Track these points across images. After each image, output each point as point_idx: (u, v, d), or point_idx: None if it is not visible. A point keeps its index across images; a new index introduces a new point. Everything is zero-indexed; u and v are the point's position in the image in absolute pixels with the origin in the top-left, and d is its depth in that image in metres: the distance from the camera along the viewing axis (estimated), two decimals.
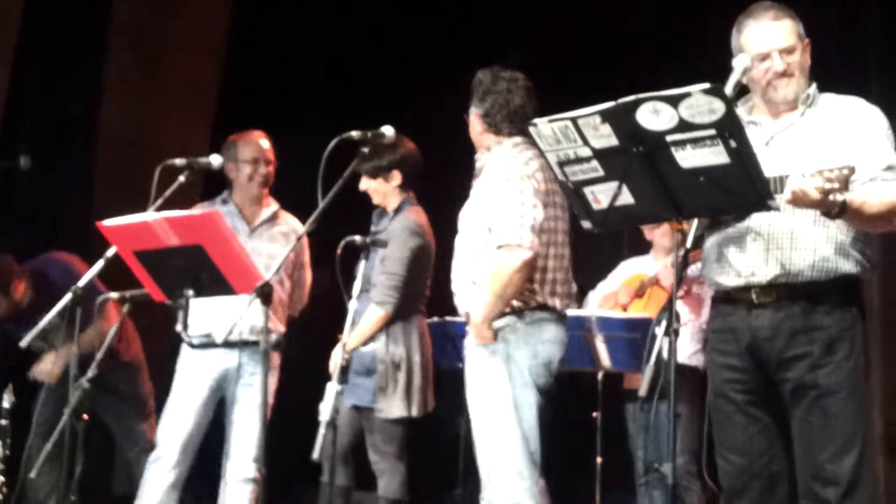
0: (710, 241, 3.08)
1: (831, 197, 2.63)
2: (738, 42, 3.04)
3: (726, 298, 3.04)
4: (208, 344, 4.29)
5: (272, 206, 4.56)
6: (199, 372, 4.34)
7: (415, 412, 4.18)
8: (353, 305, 3.51)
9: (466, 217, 3.63)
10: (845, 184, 2.63)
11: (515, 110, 3.59)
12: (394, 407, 4.15)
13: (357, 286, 3.56)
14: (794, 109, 3.05)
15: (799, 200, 2.70)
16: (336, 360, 4.21)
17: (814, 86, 3.07)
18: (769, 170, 2.80)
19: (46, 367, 4.72)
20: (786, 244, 2.93)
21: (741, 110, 3.09)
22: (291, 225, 4.54)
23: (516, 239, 3.40)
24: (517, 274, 3.41)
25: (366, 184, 4.33)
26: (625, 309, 4.90)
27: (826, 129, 2.99)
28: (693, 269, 4.38)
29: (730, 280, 3.01)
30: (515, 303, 3.47)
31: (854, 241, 2.95)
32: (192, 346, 4.34)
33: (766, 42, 2.99)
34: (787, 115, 3.05)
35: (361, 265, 3.57)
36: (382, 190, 4.34)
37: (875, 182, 2.88)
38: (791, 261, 2.92)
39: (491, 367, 3.47)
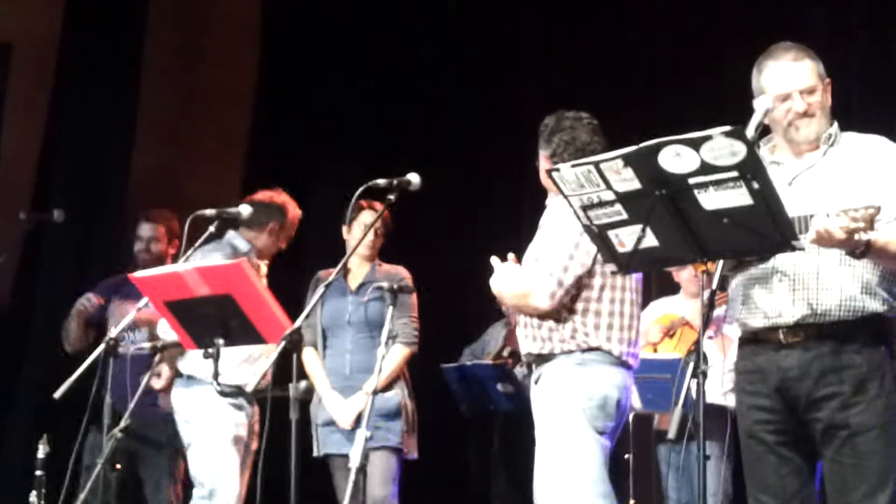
0: (736, 282, 3.07)
1: (857, 236, 2.63)
2: (759, 83, 3.06)
3: (753, 339, 3.03)
4: (236, 392, 4.32)
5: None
6: (237, 419, 4.39)
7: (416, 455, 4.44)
8: (381, 352, 3.52)
9: (529, 259, 3.63)
10: (871, 223, 2.63)
11: (582, 147, 3.53)
12: (414, 448, 4.40)
13: (385, 333, 3.58)
14: (816, 149, 3.05)
15: (824, 241, 2.70)
16: (357, 405, 4.29)
17: (835, 125, 3.07)
18: (793, 210, 2.80)
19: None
20: (812, 284, 2.92)
21: (763, 150, 3.10)
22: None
23: (548, 292, 3.43)
24: (532, 312, 3.49)
25: (372, 238, 4.50)
26: (655, 348, 4.89)
27: (848, 168, 2.99)
28: (722, 310, 4.39)
29: (756, 321, 3.00)
30: (567, 346, 3.47)
31: (881, 279, 2.94)
32: (223, 394, 4.37)
33: (787, 83, 3.00)
34: (810, 155, 3.05)
35: (390, 311, 3.60)
36: (377, 246, 4.56)
37: None
38: (818, 301, 2.91)
39: (549, 413, 3.46)
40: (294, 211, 4.68)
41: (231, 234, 4.56)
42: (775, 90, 3.00)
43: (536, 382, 3.55)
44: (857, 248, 2.69)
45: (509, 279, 3.53)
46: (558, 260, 3.45)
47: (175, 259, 4.87)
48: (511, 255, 3.55)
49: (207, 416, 4.34)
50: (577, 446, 3.40)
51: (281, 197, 4.66)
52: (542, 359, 3.53)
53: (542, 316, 3.50)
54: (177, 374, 4.46)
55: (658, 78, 5.98)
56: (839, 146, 3.05)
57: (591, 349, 3.47)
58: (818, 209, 2.78)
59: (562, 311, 3.47)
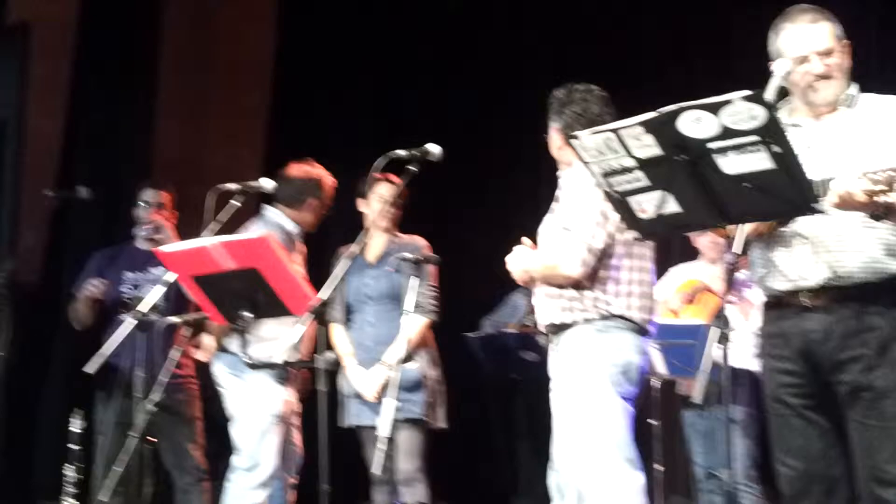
0: (757, 247, 3.08)
1: (877, 199, 2.63)
2: (776, 45, 3.05)
3: (776, 303, 3.04)
4: (266, 365, 4.37)
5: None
6: (271, 390, 4.44)
7: (447, 425, 4.46)
8: (413, 320, 3.54)
9: (548, 232, 3.65)
10: (891, 185, 2.62)
11: (593, 119, 3.54)
12: (440, 419, 4.42)
13: (411, 303, 3.61)
14: (835, 111, 3.04)
15: (844, 204, 2.70)
16: (379, 377, 4.33)
17: (854, 87, 3.06)
18: (812, 173, 2.78)
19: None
20: (833, 247, 2.92)
21: (782, 112, 3.09)
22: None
23: (579, 259, 3.45)
24: (563, 281, 3.50)
25: (390, 210, 4.48)
26: (676, 315, 4.90)
27: (868, 130, 2.97)
28: (743, 275, 4.39)
29: (779, 285, 3.01)
30: (588, 314, 3.49)
31: None
32: (252, 366, 4.42)
33: (804, 45, 3.00)
34: (828, 117, 3.04)
35: (415, 282, 3.63)
36: (396, 216, 4.55)
37: None
38: (840, 263, 2.92)
39: (573, 379, 3.48)
40: (329, 181, 4.66)
41: (273, 213, 4.57)
42: (793, 52, 3.00)
43: (556, 352, 3.58)
44: (878, 211, 2.68)
45: (532, 254, 3.56)
46: (586, 227, 3.46)
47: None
48: (526, 240, 3.58)
49: (253, 392, 4.40)
50: (603, 410, 3.42)
51: (316, 170, 4.64)
52: (562, 328, 3.55)
53: (564, 286, 3.52)
54: (221, 348, 4.50)
55: (666, 52, 5.95)
56: (858, 108, 3.04)
57: (612, 316, 3.50)
58: (837, 172, 2.78)
59: (583, 280, 3.49)
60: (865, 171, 2.64)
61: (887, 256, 2.93)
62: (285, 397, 4.45)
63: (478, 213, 6.22)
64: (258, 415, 4.40)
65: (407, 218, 4.67)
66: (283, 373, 4.40)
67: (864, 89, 3.08)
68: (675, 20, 5.88)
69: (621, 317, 3.51)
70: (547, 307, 3.59)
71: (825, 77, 3.00)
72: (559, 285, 3.53)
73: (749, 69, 3.11)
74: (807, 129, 3.05)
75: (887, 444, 2.89)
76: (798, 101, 3.08)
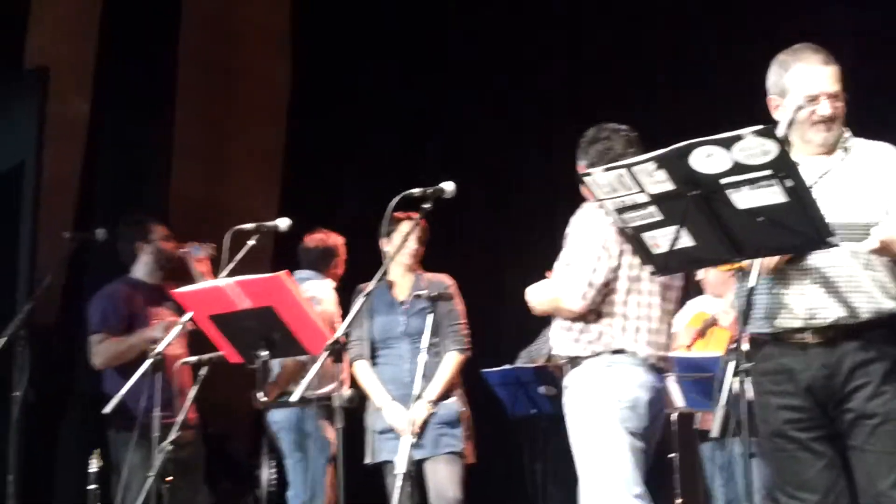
0: (762, 283, 3.05)
1: None
2: (782, 80, 3.06)
3: (774, 340, 3.03)
4: (282, 404, 4.44)
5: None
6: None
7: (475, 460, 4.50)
8: (423, 359, 3.58)
9: (558, 267, 3.68)
10: None
11: (615, 158, 3.55)
12: (472, 454, 4.47)
13: (426, 340, 3.64)
14: (831, 153, 3.07)
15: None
16: (421, 413, 4.35)
17: (848, 130, 3.09)
18: None
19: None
20: (843, 287, 2.95)
21: None
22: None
23: (580, 293, 3.50)
24: (566, 315, 3.56)
25: (414, 248, 4.55)
26: (689, 349, 4.88)
27: (864, 175, 3.01)
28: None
29: (785, 322, 3.00)
30: (595, 347, 3.53)
31: (892, 279, 2.98)
32: (266, 406, 4.44)
33: (816, 85, 3.01)
34: (826, 159, 3.06)
35: (430, 319, 3.65)
36: (419, 255, 4.63)
37: None
38: (852, 303, 2.95)
39: (581, 414, 3.52)
40: (340, 243, 5.17)
41: (309, 273, 5.02)
42: (804, 91, 3.01)
43: (567, 387, 3.60)
44: None
45: (539, 287, 3.62)
46: (587, 262, 3.51)
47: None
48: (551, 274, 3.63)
49: (308, 432, 4.74)
50: (609, 447, 3.45)
51: (331, 239, 5.15)
52: (572, 362, 3.59)
53: (573, 319, 3.57)
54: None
55: (683, 76, 5.98)
56: (853, 152, 3.07)
57: (618, 351, 3.53)
58: (840, 212, 2.83)
59: (590, 314, 3.54)
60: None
61: (884, 296, 2.98)
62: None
63: (506, 248, 6.23)
64: (312, 453, 4.75)
65: (433, 255, 4.72)
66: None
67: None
68: (693, 46, 5.90)
69: (625, 351, 3.53)
70: (560, 339, 3.64)
71: (830, 120, 3.02)
72: (564, 318, 3.58)
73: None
74: (803, 169, 3.04)
75: (889, 471, 2.89)
76: (796, 138, 3.06)
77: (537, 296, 3.61)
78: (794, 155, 3.04)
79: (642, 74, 6.10)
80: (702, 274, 4.96)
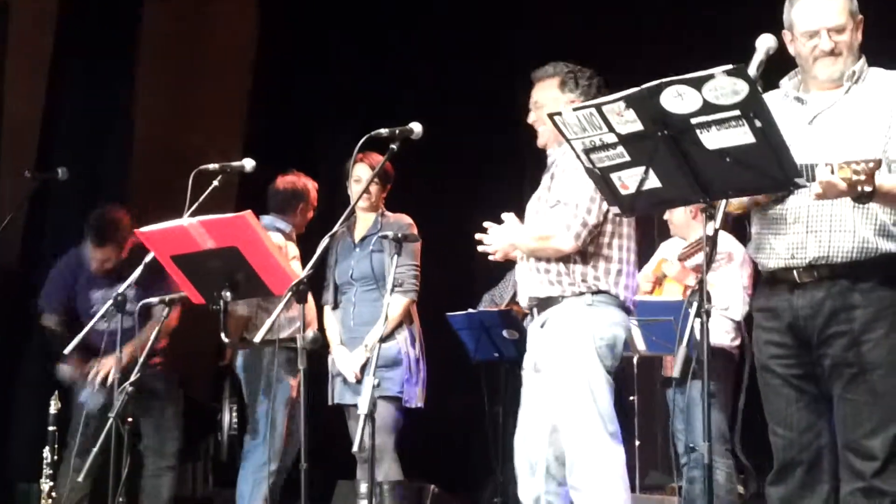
0: (754, 224, 3.10)
1: (858, 188, 2.62)
2: (789, 16, 3.03)
3: (770, 279, 3.06)
4: (247, 344, 4.43)
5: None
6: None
7: (422, 404, 4.46)
8: (388, 300, 3.57)
9: (538, 208, 3.66)
10: (871, 177, 2.61)
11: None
12: (416, 397, 4.41)
13: (391, 281, 3.62)
14: (840, 86, 3.02)
15: (826, 194, 2.71)
16: (360, 357, 4.38)
17: (861, 61, 3.03)
18: (811, 148, 2.83)
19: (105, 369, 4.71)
20: (825, 227, 2.94)
21: (789, 85, 3.09)
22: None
23: (573, 233, 3.49)
24: (553, 254, 3.53)
25: (374, 186, 4.49)
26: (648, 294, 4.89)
27: (869, 107, 2.96)
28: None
29: (771, 262, 3.03)
30: (578, 288, 3.52)
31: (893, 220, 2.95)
32: (231, 346, 4.44)
33: (816, 20, 2.97)
34: (833, 93, 3.02)
35: (395, 260, 3.62)
36: (380, 195, 4.59)
37: None
38: (830, 243, 2.93)
39: (560, 352, 3.50)
40: (312, 186, 5.03)
41: (270, 219, 4.88)
42: (803, 26, 2.98)
43: (542, 326, 3.58)
44: (861, 198, 2.67)
45: (522, 228, 3.58)
46: (582, 202, 3.49)
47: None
48: (509, 215, 3.59)
49: (269, 374, 4.65)
50: (591, 384, 3.45)
51: (301, 181, 5.01)
52: (548, 302, 3.57)
53: (552, 260, 3.54)
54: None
55: (665, 27, 5.93)
56: (864, 83, 3.02)
57: (599, 292, 3.53)
58: (836, 150, 2.78)
59: (575, 255, 3.53)
60: (847, 160, 2.63)
61: (877, 236, 2.94)
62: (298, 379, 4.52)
63: (474, 191, 6.19)
64: (271, 395, 4.65)
65: (402, 196, 4.69)
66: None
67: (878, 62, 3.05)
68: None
69: (609, 293, 3.53)
70: (532, 281, 3.60)
71: (833, 54, 2.98)
72: (547, 259, 3.55)
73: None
74: (810, 104, 3.04)
75: (867, 420, 2.91)
76: (804, 74, 3.06)
77: (518, 236, 3.55)
78: (805, 93, 3.05)
79: (620, 21, 6.04)
80: (667, 215, 4.97)
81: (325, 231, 3.42)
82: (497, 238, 3.59)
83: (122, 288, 3.94)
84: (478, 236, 3.62)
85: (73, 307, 4.94)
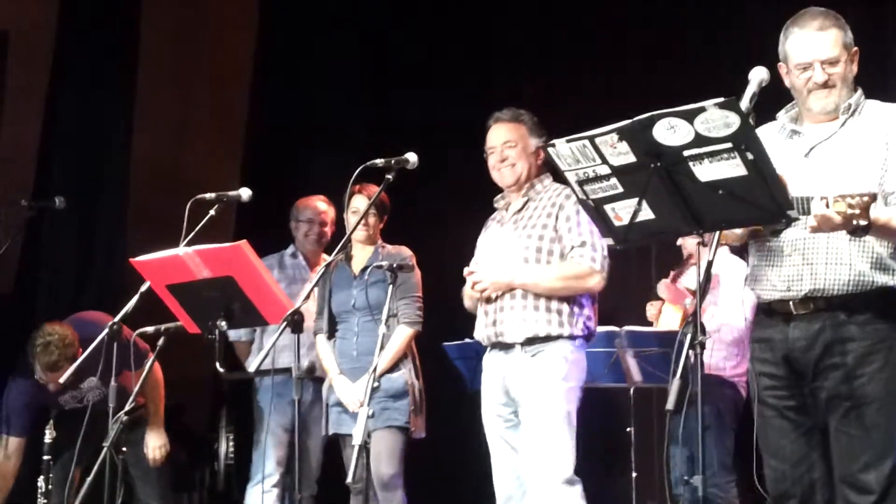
0: (751, 255, 3.11)
1: (854, 222, 2.64)
2: (784, 49, 3.04)
3: (766, 310, 3.07)
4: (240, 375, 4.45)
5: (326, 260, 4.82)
6: (280, 399, 4.61)
7: (424, 434, 4.47)
8: (382, 331, 3.58)
9: (526, 244, 3.73)
10: (866, 211, 2.62)
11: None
12: (421, 428, 4.41)
13: (386, 312, 3.63)
14: (836, 119, 3.03)
15: (822, 228, 2.72)
16: (362, 386, 4.33)
17: (858, 94, 3.04)
18: (804, 183, 2.84)
19: None
20: (821, 259, 2.94)
21: (785, 118, 3.10)
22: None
23: (604, 273, 3.66)
24: (580, 293, 3.68)
25: (372, 217, 4.52)
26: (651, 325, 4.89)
27: (865, 139, 2.97)
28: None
29: (767, 293, 3.03)
30: (578, 332, 3.66)
31: (893, 252, 2.95)
32: (225, 376, 4.45)
33: (809, 52, 2.98)
34: (829, 125, 3.03)
35: (390, 291, 3.64)
36: (378, 226, 4.62)
37: None
38: (826, 276, 2.93)
39: (558, 389, 3.61)
40: (298, 202, 5.12)
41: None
42: (797, 59, 2.99)
43: (533, 356, 3.65)
44: (856, 232, 2.68)
45: (538, 267, 3.67)
46: (598, 240, 3.63)
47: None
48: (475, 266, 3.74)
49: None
50: (571, 427, 3.60)
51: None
52: (544, 339, 3.65)
53: (564, 300, 3.65)
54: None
55: (658, 47, 5.95)
56: (860, 116, 3.02)
57: (591, 334, 3.72)
58: (832, 182, 2.79)
59: (579, 298, 3.69)
60: (843, 193, 2.64)
61: (873, 269, 2.94)
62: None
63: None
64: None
65: (397, 226, 4.72)
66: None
67: (875, 94, 3.07)
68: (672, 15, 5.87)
69: (594, 333, 3.73)
70: (527, 319, 3.65)
71: (826, 86, 2.98)
72: (560, 298, 3.64)
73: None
74: (807, 137, 3.05)
75: (862, 453, 2.90)
76: (800, 106, 3.07)
77: (534, 274, 3.65)
78: (801, 125, 3.06)
79: (612, 47, 6.07)
80: (680, 241, 4.96)
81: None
82: (490, 275, 3.68)
83: (119, 318, 3.92)
84: (466, 272, 3.71)
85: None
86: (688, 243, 4.96)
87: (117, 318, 3.93)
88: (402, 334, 4.41)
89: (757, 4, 5.28)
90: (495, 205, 3.94)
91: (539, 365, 3.62)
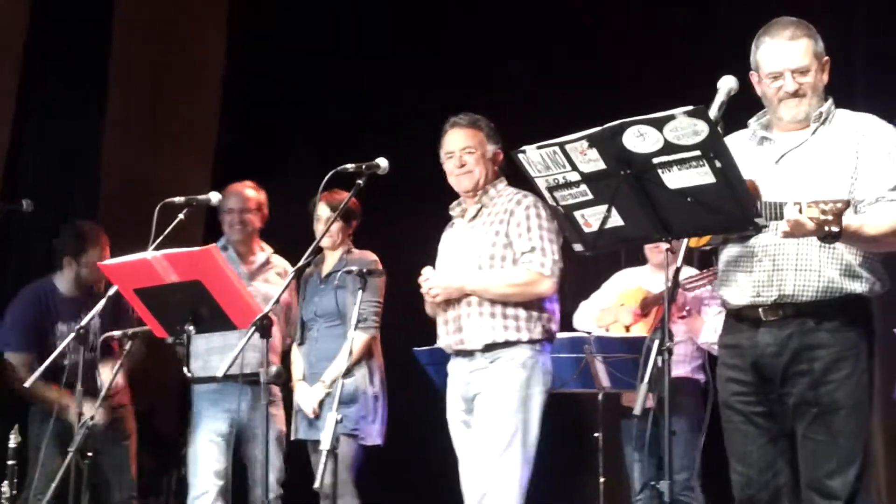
0: (722, 260, 3.12)
1: (826, 228, 2.66)
2: (755, 58, 3.06)
3: (736, 315, 3.08)
4: (207, 379, 4.37)
5: (266, 251, 4.77)
6: (214, 407, 4.47)
7: (381, 442, 4.43)
8: (352, 335, 3.58)
9: (475, 252, 3.73)
10: (839, 217, 2.65)
11: None
12: (373, 435, 4.39)
13: (355, 317, 3.63)
14: (806, 127, 3.05)
15: (794, 233, 2.73)
16: (318, 393, 4.39)
17: (829, 102, 3.06)
18: (778, 188, 2.87)
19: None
20: (790, 265, 2.96)
21: (756, 125, 3.12)
22: (283, 266, 4.74)
23: (555, 278, 3.65)
24: (531, 299, 3.65)
25: (336, 224, 4.45)
26: (628, 329, 4.89)
27: (836, 148, 2.99)
28: (703, 291, 4.57)
29: (737, 299, 3.05)
30: (537, 336, 3.66)
31: (863, 260, 2.97)
32: (193, 381, 4.41)
33: (780, 62, 3.00)
34: (800, 133, 3.05)
35: (359, 296, 3.64)
36: (345, 232, 4.60)
37: (881, 203, 2.91)
38: (796, 282, 2.95)
39: (515, 392, 3.60)
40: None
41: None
42: (768, 68, 3.01)
43: (492, 362, 3.65)
44: (827, 238, 2.71)
45: (485, 272, 3.65)
46: (550, 245, 3.64)
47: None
48: (428, 269, 3.75)
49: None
50: (531, 432, 3.60)
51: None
52: (503, 345, 3.65)
53: (518, 306, 3.64)
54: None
55: (645, 62, 5.98)
56: (831, 125, 3.04)
57: (551, 337, 3.70)
58: (802, 189, 2.82)
59: (536, 302, 3.67)
60: (816, 199, 2.67)
61: (844, 277, 2.96)
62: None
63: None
64: None
65: (368, 231, 4.71)
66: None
67: (845, 103, 3.10)
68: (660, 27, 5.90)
69: (555, 336, 3.72)
70: (484, 326, 3.66)
71: (797, 95, 3.01)
72: (515, 304, 3.63)
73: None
74: (778, 144, 3.07)
75: (829, 460, 2.93)
76: (771, 115, 3.09)
77: (482, 280, 3.65)
78: (773, 133, 3.08)
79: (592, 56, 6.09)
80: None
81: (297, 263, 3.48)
82: (442, 281, 3.69)
83: (84, 321, 3.91)
84: (421, 280, 3.72)
85: (42, 342, 4.77)
86: (650, 250, 4.97)
87: (83, 322, 3.91)
88: (358, 339, 4.36)
89: (730, 14, 5.32)
90: (451, 212, 3.94)
91: (495, 373, 3.62)
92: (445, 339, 3.78)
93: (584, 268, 4.48)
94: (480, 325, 3.66)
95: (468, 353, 3.70)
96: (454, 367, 3.78)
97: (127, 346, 3.99)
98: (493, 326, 3.65)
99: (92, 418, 3.66)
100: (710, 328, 4.58)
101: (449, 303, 3.71)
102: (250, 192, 4.77)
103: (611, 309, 4.95)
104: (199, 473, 4.43)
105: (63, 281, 4.89)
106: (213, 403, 4.48)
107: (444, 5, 6.49)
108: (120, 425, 4.82)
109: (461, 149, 3.81)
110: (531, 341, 3.64)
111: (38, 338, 4.76)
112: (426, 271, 3.74)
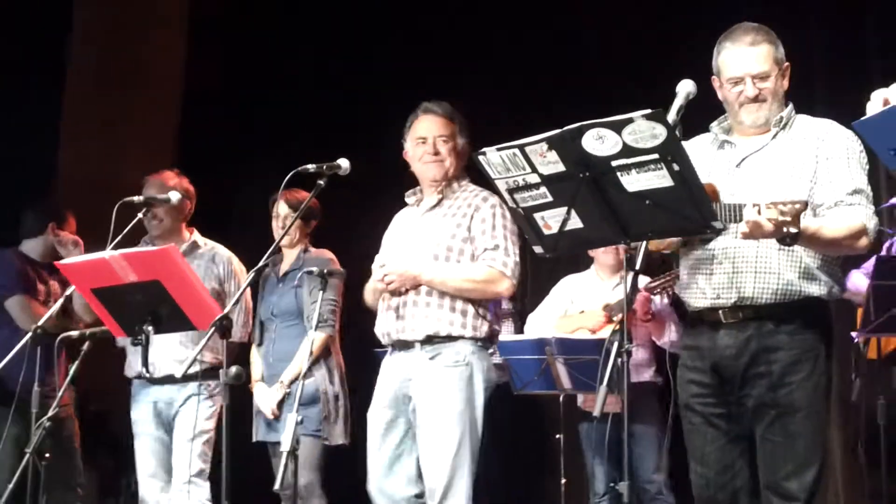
0: (683, 263, 3.14)
1: (784, 229, 2.69)
2: (717, 63, 3.10)
3: (696, 317, 3.11)
4: (161, 379, 4.33)
5: (190, 237, 4.59)
6: (151, 405, 4.43)
7: (347, 441, 4.39)
8: (312, 335, 3.56)
9: (432, 242, 3.69)
10: (797, 218, 2.68)
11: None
12: (336, 435, 4.36)
13: (315, 317, 3.61)
14: (767, 132, 3.08)
15: (754, 234, 2.76)
16: (276, 394, 4.35)
17: (789, 108, 3.10)
18: (735, 193, 2.90)
19: None
20: (749, 269, 2.99)
21: (717, 129, 3.15)
22: (210, 246, 4.60)
23: (514, 278, 3.63)
24: (489, 297, 3.64)
25: (295, 223, 4.34)
26: (594, 333, 4.89)
27: (796, 153, 3.03)
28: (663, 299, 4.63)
29: (697, 301, 3.07)
30: (481, 334, 3.63)
31: (822, 263, 3.01)
32: (151, 381, 4.37)
33: (741, 67, 3.03)
34: (760, 137, 3.09)
35: (321, 296, 3.62)
36: (303, 231, 4.55)
37: (839, 207, 2.94)
38: (755, 284, 2.98)
39: (459, 391, 3.56)
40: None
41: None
42: (729, 73, 3.05)
43: (432, 359, 3.60)
44: (785, 240, 2.74)
45: (443, 265, 3.62)
46: (511, 245, 3.62)
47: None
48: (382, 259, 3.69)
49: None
50: (477, 430, 3.56)
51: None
52: (445, 339, 3.61)
53: (469, 301, 3.61)
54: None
55: (594, 57, 6.01)
56: (791, 129, 3.08)
57: (493, 337, 3.69)
58: (762, 192, 2.85)
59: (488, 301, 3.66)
60: (774, 200, 2.70)
61: (803, 280, 2.99)
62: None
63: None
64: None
65: (330, 230, 4.69)
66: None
67: (805, 108, 3.14)
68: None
69: (498, 334, 3.71)
70: (429, 316, 3.61)
71: (757, 100, 3.04)
72: (466, 299, 3.61)
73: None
74: (739, 148, 3.10)
75: (788, 461, 2.96)
76: (732, 119, 3.12)
77: (439, 272, 3.60)
78: (734, 137, 3.11)
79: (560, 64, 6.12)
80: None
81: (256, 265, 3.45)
82: (398, 268, 3.61)
83: (41, 322, 3.88)
84: (375, 266, 3.66)
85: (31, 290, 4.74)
86: (598, 252, 4.99)
87: (40, 322, 3.88)
88: (313, 339, 4.24)
89: (691, 19, 5.37)
90: (407, 199, 3.86)
91: (436, 374, 3.58)
92: (384, 326, 3.69)
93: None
94: (426, 315, 3.60)
95: (407, 345, 3.62)
96: (390, 363, 3.70)
97: (84, 347, 3.94)
98: (439, 318, 3.59)
99: (49, 419, 3.62)
100: (672, 330, 4.62)
101: (396, 290, 3.63)
102: (172, 179, 4.56)
103: (574, 317, 4.97)
104: (140, 478, 4.42)
105: (35, 246, 4.85)
106: (152, 405, 4.43)
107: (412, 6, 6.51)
108: (66, 425, 4.75)
109: (436, 136, 3.72)
110: (474, 339, 3.60)
111: (28, 283, 4.74)
112: (380, 258, 3.69)
